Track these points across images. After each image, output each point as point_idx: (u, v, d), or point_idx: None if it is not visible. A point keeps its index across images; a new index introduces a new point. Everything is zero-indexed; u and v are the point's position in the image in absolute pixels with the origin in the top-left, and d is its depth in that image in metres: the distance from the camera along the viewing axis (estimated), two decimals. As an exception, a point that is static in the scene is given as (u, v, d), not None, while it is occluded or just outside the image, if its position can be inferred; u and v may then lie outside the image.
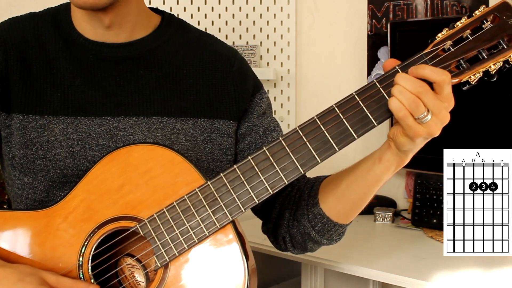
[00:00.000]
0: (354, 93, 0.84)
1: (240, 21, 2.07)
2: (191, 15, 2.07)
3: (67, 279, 0.87)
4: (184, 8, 2.07)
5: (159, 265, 0.87)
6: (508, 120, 1.56)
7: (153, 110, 0.99)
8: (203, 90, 1.03)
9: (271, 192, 0.85)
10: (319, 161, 0.84)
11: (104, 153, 0.96)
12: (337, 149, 0.84)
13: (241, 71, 1.08)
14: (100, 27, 0.99)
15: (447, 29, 0.84)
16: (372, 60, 1.94)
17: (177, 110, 1.01)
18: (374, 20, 1.94)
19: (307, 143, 0.84)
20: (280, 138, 0.85)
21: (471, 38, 0.82)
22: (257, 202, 0.85)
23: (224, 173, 0.86)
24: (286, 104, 2.08)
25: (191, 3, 2.07)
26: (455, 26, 0.83)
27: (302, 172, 0.85)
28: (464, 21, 0.83)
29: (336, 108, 0.84)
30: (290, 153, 0.85)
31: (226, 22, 2.07)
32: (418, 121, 0.80)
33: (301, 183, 1.05)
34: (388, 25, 1.77)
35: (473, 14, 0.84)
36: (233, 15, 2.06)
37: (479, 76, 0.83)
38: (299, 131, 0.85)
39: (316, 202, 0.98)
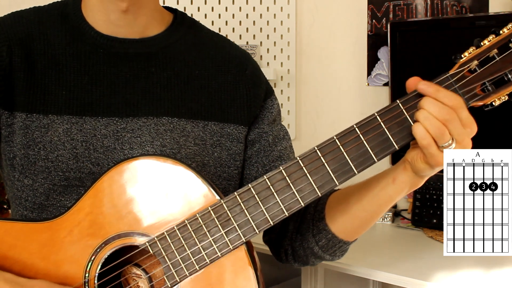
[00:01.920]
0: (376, 114, 0.81)
1: (240, 21, 2.06)
2: (191, 15, 2.07)
3: None
4: (184, 8, 2.07)
5: (169, 285, 0.84)
6: (508, 120, 1.55)
7: (163, 110, 0.96)
8: (214, 93, 1.00)
9: (287, 215, 0.82)
10: (337, 183, 0.82)
11: (109, 155, 0.93)
12: (356, 172, 0.81)
13: (254, 74, 1.05)
14: (115, 13, 0.96)
15: (473, 47, 0.81)
16: (372, 60, 1.94)
17: (188, 112, 0.98)
18: (374, 20, 1.93)
19: (326, 164, 0.81)
20: (298, 158, 0.82)
21: (498, 59, 0.79)
22: (272, 224, 0.83)
23: (239, 193, 0.83)
24: (286, 104, 2.08)
25: (191, 3, 2.07)
26: (481, 44, 0.80)
27: (320, 194, 0.82)
28: (491, 39, 0.80)
29: (357, 129, 0.81)
30: (308, 174, 0.81)
31: (226, 22, 2.07)
32: (441, 149, 0.78)
33: None
34: (388, 25, 1.77)
35: (501, 32, 0.80)
36: (233, 15, 2.06)
37: (504, 100, 0.80)
38: (317, 151, 0.81)
39: (322, 217, 0.95)
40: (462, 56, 0.81)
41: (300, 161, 0.82)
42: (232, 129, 1.00)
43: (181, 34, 1.03)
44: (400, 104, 0.80)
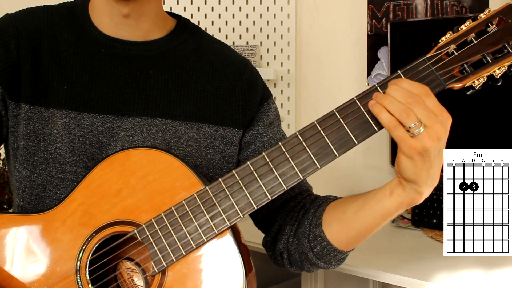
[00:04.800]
0: (355, 98, 0.83)
1: (240, 21, 2.07)
2: (191, 15, 2.07)
3: None
4: (184, 8, 2.07)
5: (156, 270, 0.86)
6: (508, 120, 1.56)
7: (158, 112, 0.99)
8: (210, 96, 1.03)
9: (270, 198, 0.84)
10: (319, 166, 0.83)
11: (103, 151, 0.96)
12: (337, 155, 0.83)
13: (250, 80, 1.07)
14: (117, 16, 0.99)
15: (451, 32, 0.82)
16: (372, 60, 1.94)
17: (182, 114, 1.00)
18: (374, 20, 1.94)
19: (307, 148, 0.83)
20: (280, 143, 0.84)
21: (475, 42, 0.80)
22: (255, 208, 0.85)
23: (223, 178, 0.86)
24: (286, 104, 2.08)
25: (191, 3, 2.07)
26: (459, 29, 0.82)
27: (302, 177, 0.84)
28: (468, 24, 0.82)
29: (336, 113, 0.83)
30: (290, 158, 0.84)
31: (226, 22, 2.07)
32: (411, 134, 0.78)
33: (308, 200, 1.02)
34: (388, 25, 1.77)
35: (478, 17, 0.82)
36: (233, 15, 2.06)
37: (483, 81, 0.81)
38: (299, 136, 0.84)
39: (319, 223, 0.95)
40: (440, 41, 0.82)
41: (282, 146, 0.84)
42: (226, 132, 1.03)
43: (182, 40, 1.06)
44: (378, 87, 0.82)
